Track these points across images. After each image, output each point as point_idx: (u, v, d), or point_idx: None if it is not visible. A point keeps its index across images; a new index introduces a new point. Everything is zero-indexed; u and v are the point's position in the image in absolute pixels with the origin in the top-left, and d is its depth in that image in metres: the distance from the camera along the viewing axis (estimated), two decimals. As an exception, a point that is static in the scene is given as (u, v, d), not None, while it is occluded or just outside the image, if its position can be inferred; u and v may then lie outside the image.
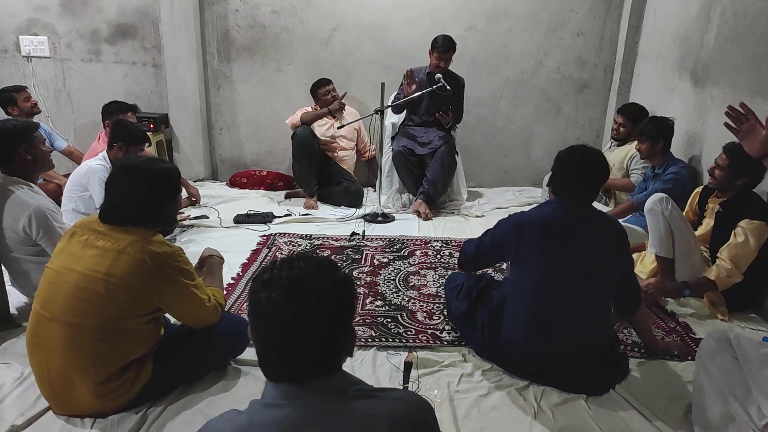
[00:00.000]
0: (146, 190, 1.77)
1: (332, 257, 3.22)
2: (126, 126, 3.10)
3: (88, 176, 3.00)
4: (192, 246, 3.35)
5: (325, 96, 4.31)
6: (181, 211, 3.81)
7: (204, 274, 2.13)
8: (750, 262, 2.55)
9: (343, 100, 4.31)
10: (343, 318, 1.06)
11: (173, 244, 1.82)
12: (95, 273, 1.68)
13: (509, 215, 2.15)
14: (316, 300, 1.01)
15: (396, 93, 4.25)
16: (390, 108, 4.22)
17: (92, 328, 1.69)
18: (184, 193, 4.07)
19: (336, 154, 4.43)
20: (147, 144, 3.32)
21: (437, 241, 3.55)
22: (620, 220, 3.30)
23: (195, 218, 3.80)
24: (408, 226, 3.84)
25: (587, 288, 1.99)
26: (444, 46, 3.93)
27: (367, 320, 2.51)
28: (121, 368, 1.76)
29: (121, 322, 1.72)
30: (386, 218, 3.93)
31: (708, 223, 2.78)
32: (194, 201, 4.07)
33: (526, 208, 2.37)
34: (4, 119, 3.17)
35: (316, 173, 4.23)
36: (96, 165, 3.02)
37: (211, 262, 2.20)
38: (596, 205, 3.74)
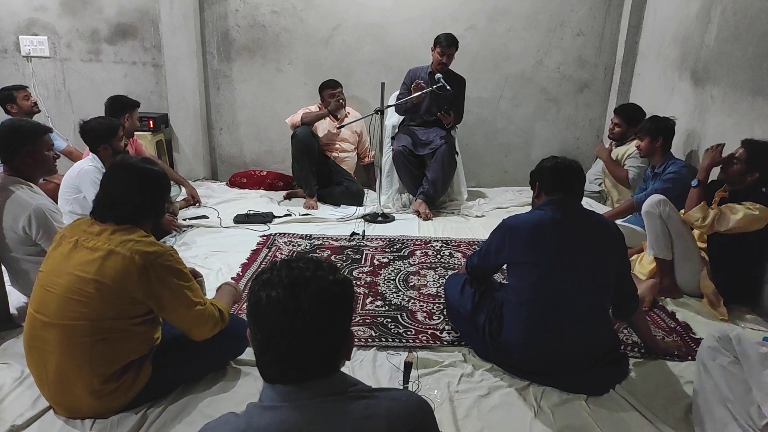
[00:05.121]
0: (138, 187, 1.79)
1: (332, 257, 3.22)
2: (93, 129, 3.01)
3: (80, 178, 3.00)
4: (192, 247, 3.36)
5: (329, 98, 4.30)
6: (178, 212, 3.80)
7: (216, 296, 2.15)
8: (727, 228, 2.53)
9: (343, 102, 4.25)
10: (341, 319, 1.06)
11: (165, 245, 1.82)
12: (86, 274, 1.68)
13: (503, 219, 2.16)
14: (314, 300, 1.01)
15: (398, 92, 4.24)
16: (392, 108, 4.22)
17: (86, 330, 1.68)
18: (183, 194, 4.07)
19: (336, 154, 4.43)
20: (123, 125, 3.23)
21: (437, 241, 3.55)
22: (621, 220, 3.32)
23: (195, 218, 3.79)
24: (408, 226, 3.83)
25: (584, 288, 1.99)
26: (447, 42, 3.93)
27: (367, 320, 2.51)
28: (119, 370, 1.75)
29: (116, 323, 1.71)
30: (386, 218, 3.93)
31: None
32: (195, 201, 4.05)
33: (526, 208, 2.38)
34: (17, 118, 3.18)
35: (315, 173, 4.22)
36: (87, 167, 3.01)
37: (224, 288, 2.22)
38: (596, 204, 3.80)
